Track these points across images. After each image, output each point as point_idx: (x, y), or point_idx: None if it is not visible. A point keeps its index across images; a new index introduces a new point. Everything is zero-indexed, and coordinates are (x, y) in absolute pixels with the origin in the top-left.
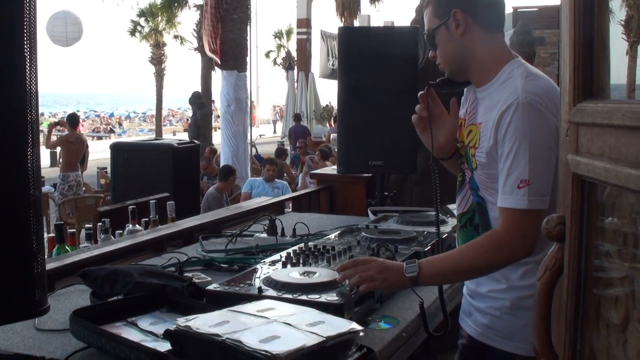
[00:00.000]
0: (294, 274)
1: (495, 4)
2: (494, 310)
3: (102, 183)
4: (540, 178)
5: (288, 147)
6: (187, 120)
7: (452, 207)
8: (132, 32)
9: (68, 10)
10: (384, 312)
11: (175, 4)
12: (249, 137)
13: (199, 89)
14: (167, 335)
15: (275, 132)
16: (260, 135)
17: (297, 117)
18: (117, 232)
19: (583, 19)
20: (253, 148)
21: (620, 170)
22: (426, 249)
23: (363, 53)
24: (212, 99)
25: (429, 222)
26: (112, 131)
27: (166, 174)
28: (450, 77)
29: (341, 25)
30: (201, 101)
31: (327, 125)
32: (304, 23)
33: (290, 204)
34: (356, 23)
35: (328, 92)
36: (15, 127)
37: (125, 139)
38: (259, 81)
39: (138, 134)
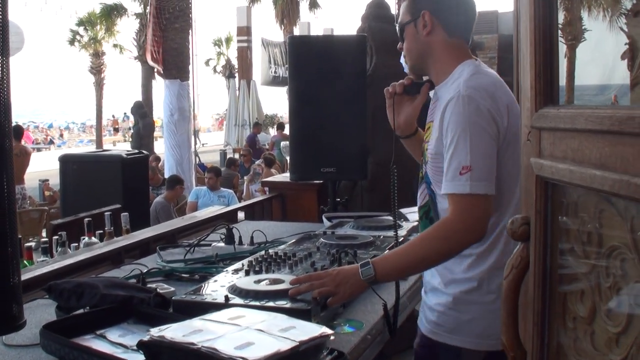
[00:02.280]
0: (258, 282)
1: (464, 12)
2: (440, 307)
3: (45, 195)
4: (481, 164)
5: (233, 155)
6: (130, 129)
7: (405, 211)
8: (72, 42)
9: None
10: (348, 315)
11: (115, 13)
12: (192, 146)
13: (140, 98)
14: (141, 346)
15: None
16: (202, 144)
17: (257, 125)
18: (72, 245)
19: (543, 28)
20: (196, 157)
21: (585, 172)
22: (384, 253)
23: (313, 61)
24: (153, 108)
25: (384, 227)
26: (51, 142)
27: (116, 185)
28: (411, 72)
29: (281, 32)
30: (143, 111)
31: (270, 132)
32: (244, 31)
33: (243, 213)
34: (296, 30)
35: (270, 100)
36: None
37: (65, 150)
38: (198, 89)
39: (78, 144)
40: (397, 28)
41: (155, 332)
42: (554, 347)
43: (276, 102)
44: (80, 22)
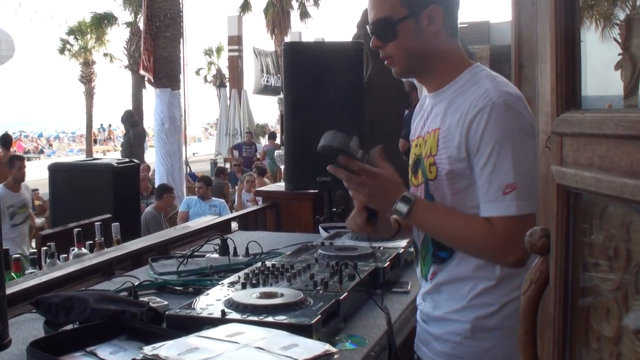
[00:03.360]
0: (256, 295)
1: (458, 10)
2: (454, 336)
3: (35, 205)
4: (526, 181)
5: (223, 165)
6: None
7: None
8: (62, 51)
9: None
10: (349, 330)
11: (105, 22)
12: (183, 156)
13: (130, 107)
14: None
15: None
16: (193, 154)
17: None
18: (62, 256)
19: (565, 28)
20: (187, 167)
21: (614, 180)
22: (385, 265)
23: (308, 68)
24: (143, 117)
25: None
26: (41, 152)
27: (106, 194)
28: (400, 75)
29: (272, 42)
30: (134, 120)
31: (262, 142)
32: (235, 40)
33: (237, 223)
34: (287, 39)
35: (261, 109)
36: None
37: (55, 159)
38: (189, 99)
39: (68, 154)
40: (377, 24)
41: (148, 350)
42: None
43: (267, 111)
44: (71, 31)
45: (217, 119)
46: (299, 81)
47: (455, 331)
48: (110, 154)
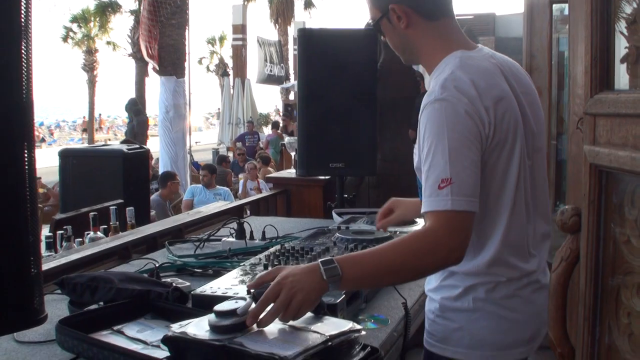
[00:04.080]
0: None
1: None
2: (430, 314)
3: (40, 192)
4: (463, 177)
5: (225, 154)
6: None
7: None
8: (65, 38)
9: None
10: (371, 311)
11: (109, 10)
12: (187, 144)
13: (133, 96)
14: (166, 341)
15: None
16: (196, 142)
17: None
18: (77, 240)
19: (600, 11)
20: (190, 155)
21: None
22: None
23: (323, 55)
24: (146, 105)
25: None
26: (42, 140)
27: (117, 180)
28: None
29: (275, 31)
30: (137, 108)
31: (264, 131)
32: (239, 29)
33: (248, 209)
34: (290, 29)
35: (265, 98)
36: (14, 126)
37: (56, 148)
38: (191, 88)
39: (68, 143)
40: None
41: (176, 327)
42: (605, 343)
43: (270, 100)
44: (74, 19)
45: (218, 108)
46: (313, 67)
47: (431, 309)
48: (112, 143)
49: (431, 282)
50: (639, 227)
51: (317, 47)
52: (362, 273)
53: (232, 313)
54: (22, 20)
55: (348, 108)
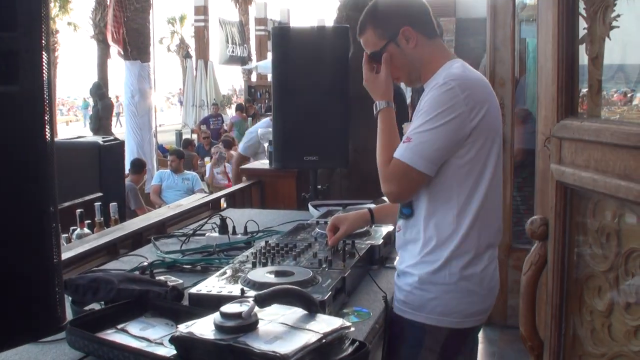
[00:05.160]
0: (269, 275)
1: (428, 13)
2: (407, 286)
3: None
4: (425, 143)
5: (190, 136)
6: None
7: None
8: None
9: None
10: (353, 304)
11: None
12: (153, 127)
13: (96, 78)
14: (174, 341)
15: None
16: (159, 125)
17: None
18: (63, 235)
19: (566, 47)
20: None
21: (610, 181)
22: (380, 242)
23: (296, 52)
24: (109, 88)
25: None
26: None
27: (93, 172)
28: (410, 85)
29: (236, 11)
30: (102, 92)
31: (228, 112)
32: (202, 10)
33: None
34: (251, 9)
35: (227, 79)
36: (36, 139)
37: None
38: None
39: None
40: (372, 58)
41: (182, 328)
42: (570, 337)
43: (232, 82)
44: None
45: (180, 89)
46: (287, 64)
47: (408, 282)
48: (73, 125)
49: (406, 260)
50: (599, 236)
51: (290, 44)
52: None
53: (237, 315)
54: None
55: (321, 103)
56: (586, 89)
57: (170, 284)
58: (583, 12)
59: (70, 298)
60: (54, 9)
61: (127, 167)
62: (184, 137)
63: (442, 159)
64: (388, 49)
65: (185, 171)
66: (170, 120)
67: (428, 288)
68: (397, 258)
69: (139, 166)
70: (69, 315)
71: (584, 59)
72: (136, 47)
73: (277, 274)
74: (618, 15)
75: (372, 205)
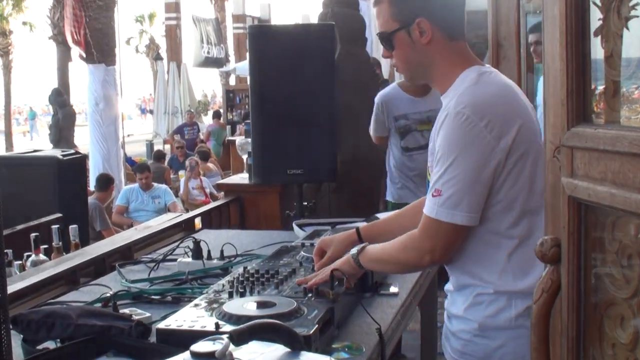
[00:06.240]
0: (249, 306)
1: (458, 9)
2: (465, 334)
3: None
4: (453, 191)
5: (162, 147)
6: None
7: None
8: None
9: None
10: (344, 338)
11: None
12: (120, 138)
13: (56, 83)
14: None
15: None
16: (128, 135)
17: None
18: (16, 262)
19: (576, 43)
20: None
21: (630, 196)
22: None
23: (276, 53)
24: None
25: None
26: None
27: (51, 190)
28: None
29: (212, 7)
30: (62, 99)
31: (204, 120)
32: (173, 7)
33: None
34: (228, 5)
35: (202, 84)
36: None
37: None
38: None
39: None
40: (378, 36)
41: None
42: None
43: (208, 86)
44: None
45: (150, 94)
46: (266, 67)
47: (466, 329)
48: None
49: (458, 302)
50: (619, 258)
51: (269, 45)
52: (371, 257)
53: (210, 355)
54: None
55: (304, 109)
56: (602, 87)
57: (135, 317)
58: (597, 0)
59: (21, 336)
60: (7, 7)
61: (93, 183)
62: (155, 147)
63: (482, 202)
64: (398, 35)
65: (155, 184)
66: (141, 130)
67: (491, 335)
68: (446, 300)
69: (105, 182)
70: (19, 355)
71: (597, 54)
72: (100, 49)
73: (257, 305)
74: (637, 4)
75: (363, 224)
